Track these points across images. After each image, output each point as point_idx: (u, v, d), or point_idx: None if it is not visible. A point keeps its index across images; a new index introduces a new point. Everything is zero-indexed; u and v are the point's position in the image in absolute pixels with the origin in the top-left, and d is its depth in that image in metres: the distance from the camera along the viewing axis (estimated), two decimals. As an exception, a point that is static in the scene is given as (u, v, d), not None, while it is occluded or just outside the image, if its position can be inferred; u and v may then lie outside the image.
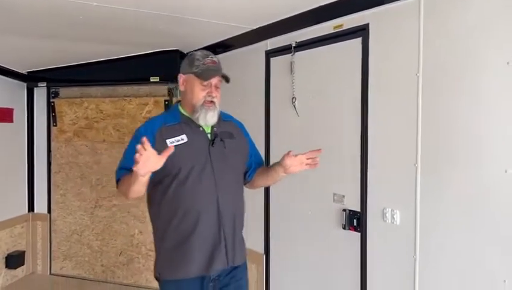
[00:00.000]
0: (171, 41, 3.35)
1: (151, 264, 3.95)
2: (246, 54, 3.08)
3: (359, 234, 2.29)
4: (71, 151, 4.22)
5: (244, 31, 2.90)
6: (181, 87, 1.93)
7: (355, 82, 2.28)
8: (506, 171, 1.65)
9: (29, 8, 2.35)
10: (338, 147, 2.39)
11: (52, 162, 4.30)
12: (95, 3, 2.23)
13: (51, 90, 4.24)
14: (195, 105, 1.85)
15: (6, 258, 4.02)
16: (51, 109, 4.25)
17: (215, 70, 1.85)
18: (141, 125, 1.93)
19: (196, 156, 1.84)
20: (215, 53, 2.12)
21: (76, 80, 4.07)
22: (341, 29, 2.36)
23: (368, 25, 2.21)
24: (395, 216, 2.10)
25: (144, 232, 4.00)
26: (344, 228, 2.37)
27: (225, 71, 1.90)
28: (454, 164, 1.83)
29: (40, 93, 4.30)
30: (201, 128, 1.88)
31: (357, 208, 2.30)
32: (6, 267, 4.02)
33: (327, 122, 2.50)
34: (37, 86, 4.24)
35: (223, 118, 1.97)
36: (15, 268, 4.11)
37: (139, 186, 1.65)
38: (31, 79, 4.20)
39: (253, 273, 3.02)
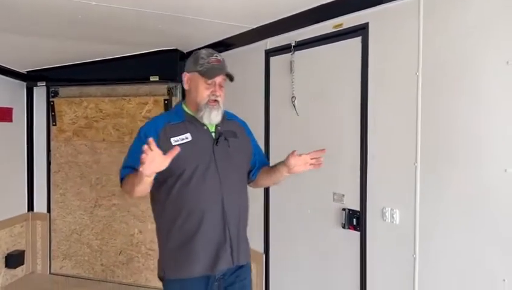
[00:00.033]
0: (170, 40, 3.35)
1: (150, 263, 3.96)
2: (245, 53, 3.08)
3: (359, 233, 2.29)
4: (71, 151, 4.22)
5: (244, 30, 2.90)
6: (185, 86, 1.92)
7: (355, 81, 2.28)
8: (505, 171, 1.65)
9: (29, 7, 2.35)
10: (338, 146, 2.39)
11: (51, 161, 4.30)
12: (94, 3, 2.23)
13: (51, 90, 4.24)
14: (199, 104, 1.85)
15: (6, 257, 4.02)
16: (50, 108, 4.25)
17: (219, 69, 1.85)
18: (145, 124, 1.93)
19: (200, 155, 1.83)
20: (215, 52, 2.12)
21: (76, 80, 4.07)
22: (341, 29, 2.36)
23: (367, 24, 2.21)
24: (394, 215, 2.10)
25: (144, 232, 4.00)
26: (344, 227, 2.37)
27: (225, 70, 1.90)
28: (454, 163, 1.83)
29: (40, 93, 4.30)
30: (205, 127, 1.88)
31: (356, 207, 2.30)
32: (6, 266, 4.02)
33: (327, 122, 2.50)
34: (36, 86, 4.23)
35: (227, 117, 1.97)
36: (15, 268, 4.11)
37: (144, 186, 1.65)
38: (31, 78, 4.19)
39: (253, 272, 3.01)
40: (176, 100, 3.81)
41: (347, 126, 2.35)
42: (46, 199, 4.32)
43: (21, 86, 4.22)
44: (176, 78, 3.66)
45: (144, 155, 1.50)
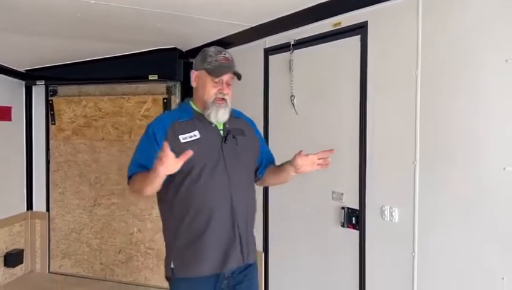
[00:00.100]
0: (169, 39, 3.35)
1: (150, 262, 3.96)
2: (244, 51, 3.07)
3: (358, 231, 2.29)
4: (70, 150, 4.21)
5: (242, 29, 2.89)
6: (193, 84, 1.91)
7: (354, 80, 2.28)
8: (504, 169, 1.65)
9: (28, 6, 2.35)
10: (337, 145, 2.35)
11: (50, 160, 4.29)
12: (93, 1, 2.23)
13: (49, 89, 4.23)
14: (206, 102, 1.84)
15: (4, 256, 4.01)
16: (49, 107, 4.23)
17: (227, 67, 1.84)
18: (153, 121, 1.91)
19: (209, 152, 1.82)
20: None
21: (75, 78, 4.06)
22: (340, 27, 2.36)
23: (366, 22, 2.21)
24: (393, 214, 2.10)
25: (143, 231, 4.00)
26: (343, 226, 2.37)
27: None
28: (452, 162, 1.84)
29: (39, 92, 4.28)
30: (213, 125, 1.86)
31: (355, 205, 2.31)
32: (4, 265, 4.01)
33: (326, 120, 2.50)
34: (35, 84, 4.22)
35: (234, 114, 1.96)
36: (14, 267, 4.10)
37: (156, 185, 1.67)
38: (30, 77, 4.18)
39: (252, 271, 3.03)
40: (175, 99, 3.81)
41: (346, 124, 2.35)
42: (45, 197, 4.31)
43: (20, 85, 4.21)
44: (175, 76, 3.66)
45: (157, 160, 1.52)
